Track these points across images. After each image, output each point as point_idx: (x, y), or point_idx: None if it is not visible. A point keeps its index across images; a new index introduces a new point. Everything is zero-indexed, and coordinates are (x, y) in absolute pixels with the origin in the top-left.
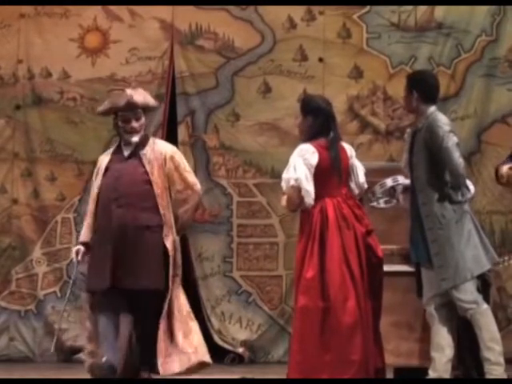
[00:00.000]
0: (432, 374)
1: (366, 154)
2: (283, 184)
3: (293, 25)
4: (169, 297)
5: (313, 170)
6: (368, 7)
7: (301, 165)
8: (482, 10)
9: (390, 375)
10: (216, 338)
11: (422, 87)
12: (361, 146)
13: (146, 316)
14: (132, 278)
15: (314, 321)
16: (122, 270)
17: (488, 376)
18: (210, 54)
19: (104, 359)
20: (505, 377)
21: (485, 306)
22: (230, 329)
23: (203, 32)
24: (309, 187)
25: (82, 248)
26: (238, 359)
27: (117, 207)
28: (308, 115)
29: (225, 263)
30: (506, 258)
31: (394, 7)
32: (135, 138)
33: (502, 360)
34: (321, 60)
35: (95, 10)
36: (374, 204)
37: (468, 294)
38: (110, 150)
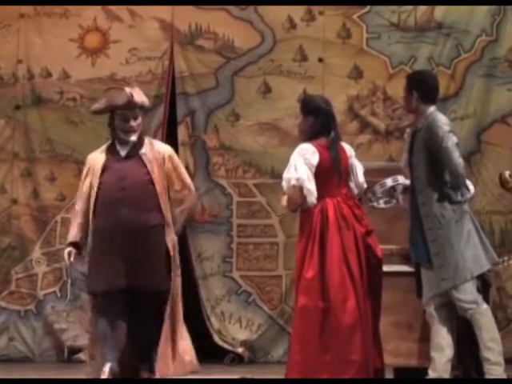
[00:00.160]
0: (432, 374)
1: (365, 154)
2: (284, 183)
3: (293, 25)
4: (171, 298)
5: (313, 170)
6: (368, 7)
7: (301, 164)
8: (482, 10)
9: (389, 375)
10: (216, 337)
11: (422, 87)
12: (360, 145)
13: (149, 317)
14: (142, 279)
15: (313, 321)
16: (132, 271)
17: (488, 376)
18: (210, 54)
19: (107, 368)
20: (504, 377)
21: (484, 306)
22: (230, 329)
23: (203, 32)
24: (311, 186)
25: (73, 250)
26: (237, 359)
27: (124, 207)
28: (309, 115)
29: (225, 263)
30: (506, 258)
31: (393, 7)
32: (133, 137)
33: (501, 360)
34: (321, 60)
35: (95, 10)
36: (374, 204)
37: (468, 294)
38: (102, 149)
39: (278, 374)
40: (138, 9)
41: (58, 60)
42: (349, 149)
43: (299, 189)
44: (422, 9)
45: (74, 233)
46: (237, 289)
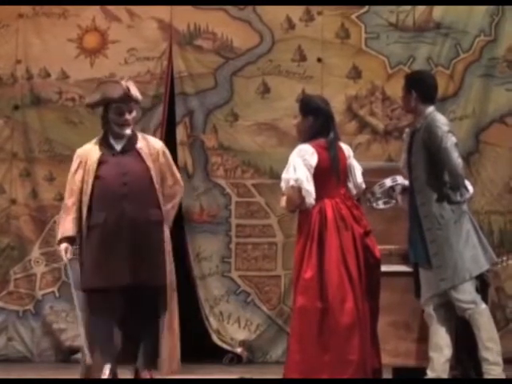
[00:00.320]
0: (430, 374)
1: (364, 154)
2: (283, 184)
3: (291, 25)
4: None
5: (312, 171)
6: (366, 7)
7: (300, 165)
8: (481, 10)
9: (388, 375)
10: (214, 337)
11: (421, 87)
12: (359, 146)
13: (150, 312)
14: (145, 275)
15: (312, 321)
16: (135, 267)
17: (486, 376)
18: (209, 54)
19: (107, 368)
20: (503, 377)
21: (483, 306)
22: (229, 329)
23: (202, 32)
24: (309, 187)
25: (69, 246)
26: (236, 359)
27: (127, 203)
28: (308, 115)
29: (223, 263)
30: (505, 258)
31: (392, 7)
32: (128, 131)
33: (500, 360)
34: (319, 60)
35: (93, 11)
36: (373, 205)
37: (466, 294)
38: (94, 143)
39: (277, 373)
40: (136, 9)
41: (57, 60)
42: (347, 149)
43: (298, 190)
44: (421, 9)
45: (68, 227)
46: (235, 289)
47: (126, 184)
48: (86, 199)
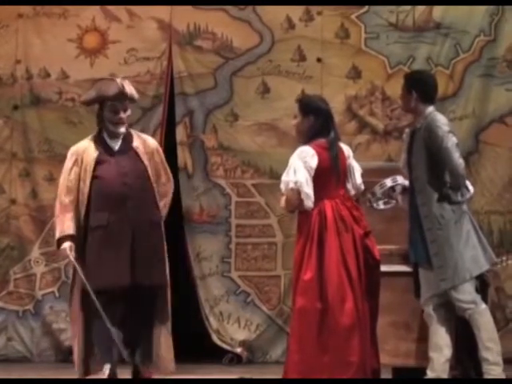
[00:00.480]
0: (430, 374)
1: (364, 154)
2: (282, 186)
3: (291, 25)
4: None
5: (312, 173)
6: (366, 7)
7: (301, 168)
8: (481, 10)
9: (388, 375)
10: (214, 337)
11: (422, 87)
12: (359, 146)
13: (150, 312)
14: (147, 275)
15: (311, 322)
16: (138, 267)
17: (486, 376)
18: (209, 54)
19: (107, 368)
20: (503, 377)
21: (483, 306)
22: (229, 329)
23: (201, 32)
24: (309, 190)
25: (73, 244)
26: (236, 359)
27: (130, 203)
28: (309, 115)
29: (223, 263)
30: (504, 258)
31: (392, 7)
32: (122, 129)
33: (500, 360)
34: (319, 60)
35: (93, 11)
36: (374, 205)
37: (466, 294)
38: (88, 140)
39: (277, 374)
40: (136, 9)
41: (57, 60)
42: (347, 149)
43: (297, 192)
44: (421, 9)
45: (69, 225)
46: (235, 289)
47: (127, 184)
48: (83, 199)
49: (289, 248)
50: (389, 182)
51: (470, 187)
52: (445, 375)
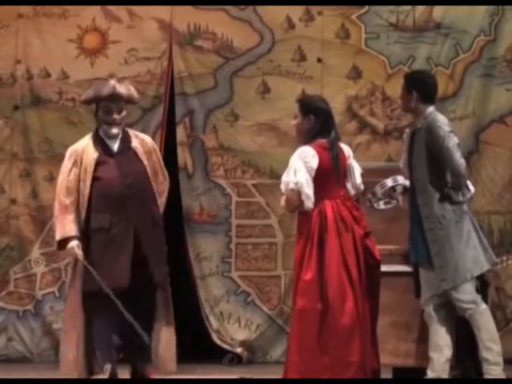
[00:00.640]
0: (430, 374)
1: (364, 155)
2: (282, 187)
3: (291, 25)
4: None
5: (313, 174)
6: (366, 7)
7: (301, 168)
8: (481, 10)
9: (388, 375)
10: (215, 337)
11: (422, 87)
12: (359, 146)
13: (151, 311)
14: (149, 274)
15: (312, 322)
16: (140, 267)
17: (486, 376)
18: (209, 54)
19: (107, 368)
20: (503, 377)
21: (483, 306)
22: (229, 329)
23: (202, 32)
24: (309, 191)
25: (79, 243)
26: (236, 359)
27: (132, 204)
28: (309, 115)
29: (223, 263)
30: (505, 258)
31: (392, 7)
32: (115, 130)
33: (500, 360)
34: (319, 60)
35: (94, 11)
36: (374, 205)
37: (467, 294)
38: (86, 140)
39: (277, 374)
40: (136, 9)
41: (57, 60)
42: (347, 149)
43: (297, 193)
44: (421, 9)
45: (71, 227)
46: (235, 289)
47: (128, 185)
48: (83, 200)
49: (289, 248)
50: (389, 182)
51: (471, 187)
52: (445, 375)
